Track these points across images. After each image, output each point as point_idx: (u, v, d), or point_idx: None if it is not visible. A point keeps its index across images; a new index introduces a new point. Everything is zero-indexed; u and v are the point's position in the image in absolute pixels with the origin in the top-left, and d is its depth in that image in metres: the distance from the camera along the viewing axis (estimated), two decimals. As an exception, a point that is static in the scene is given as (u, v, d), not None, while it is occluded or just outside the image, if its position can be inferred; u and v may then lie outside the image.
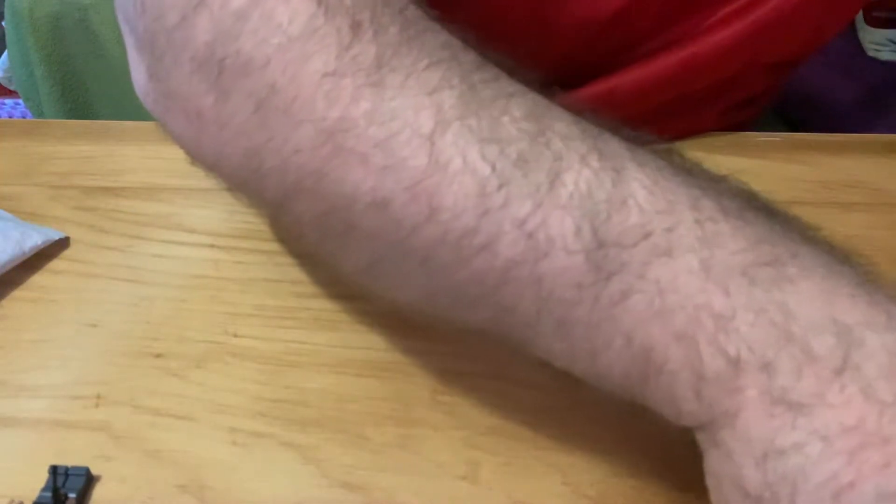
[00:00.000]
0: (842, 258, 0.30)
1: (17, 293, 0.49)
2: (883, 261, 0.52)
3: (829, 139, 0.62)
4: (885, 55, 0.86)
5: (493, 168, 0.28)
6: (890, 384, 0.24)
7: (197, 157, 0.33)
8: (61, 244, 0.51)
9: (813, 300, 0.26)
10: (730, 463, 0.27)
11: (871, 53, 0.86)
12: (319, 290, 0.49)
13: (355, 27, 0.29)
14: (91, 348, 0.46)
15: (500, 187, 0.27)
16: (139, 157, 0.58)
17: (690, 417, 0.28)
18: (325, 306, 0.48)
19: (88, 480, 0.39)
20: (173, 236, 0.52)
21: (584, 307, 0.28)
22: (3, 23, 1.08)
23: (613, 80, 0.54)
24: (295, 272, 0.50)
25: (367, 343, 0.46)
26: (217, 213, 0.54)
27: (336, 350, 0.46)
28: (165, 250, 0.51)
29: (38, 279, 0.49)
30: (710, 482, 0.29)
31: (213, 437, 0.42)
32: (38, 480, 0.39)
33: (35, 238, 0.49)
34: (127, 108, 0.99)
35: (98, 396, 0.43)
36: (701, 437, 0.29)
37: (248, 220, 0.53)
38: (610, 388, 0.30)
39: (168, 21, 0.30)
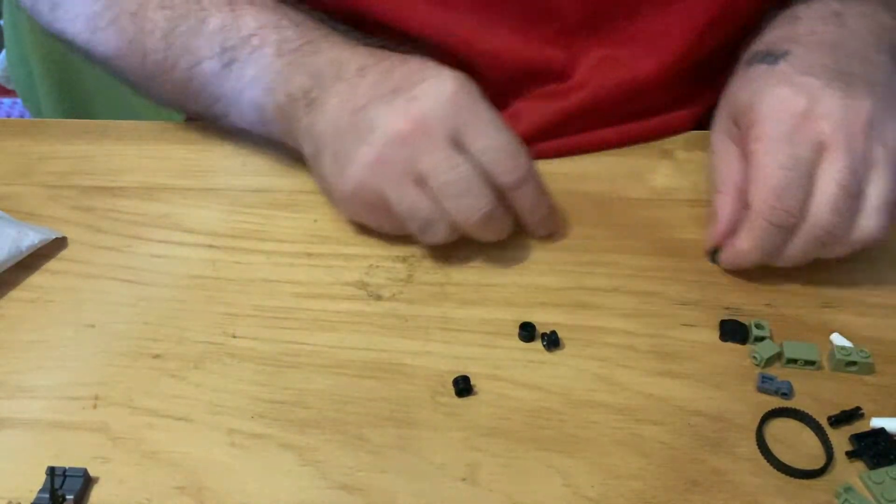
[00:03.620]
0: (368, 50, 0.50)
1: (15, 293, 0.48)
2: (884, 261, 0.52)
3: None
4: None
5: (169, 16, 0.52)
6: (356, 78, 0.47)
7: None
8: (59, 244, 0.51)
9: (326, 55, 0.49)
10: (307, 136, 0.49)
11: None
12: (318, 290, 0.49)
13: None
14: (89, 349, 0.45)
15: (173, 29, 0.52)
16: (137, 157, 0.58)
17: (284, 127, 0.51)
18: (324, 307, 0.48)
19: (86, 482, 0.39)
20: (171, 236, 0.52)
21: (222, 78, 0.52)
22: (1, 22, 1.08)
23: None
24: (294, 272, 0.50)
25: (367, 344, 0.46)
26: (215, 213, 0.54)
27: (335, 351, 0.46)
28: (164, 250, 0.51)
29: (35, 279, 0.49)
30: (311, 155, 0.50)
31: (212, 439, 0.42)
32: (36, 482, 0.39)
33: (32, 237, 0.49)
34: (125, 107, 0.99)
35: (96, 397, 0.43)
36: (298, 138, 0.50)
37: (246, 220, 0.53)
38: (248, 124, 0.53)
39: None
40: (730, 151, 0.50)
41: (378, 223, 0.50)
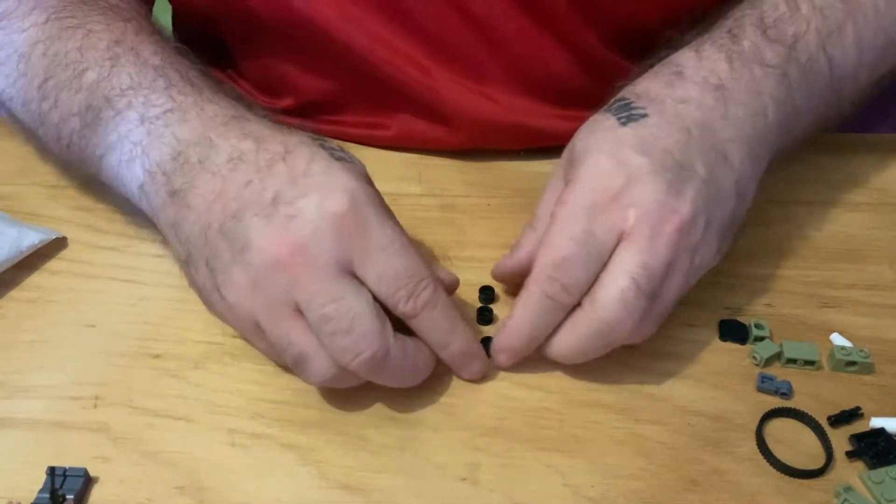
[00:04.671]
0: (244, 107, 0.45)
1: (15, 293, 0.48)
2: (884, 261, 0.52)
3: (830, 139, 0.62)
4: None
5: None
6: (226, 171, 0.41)
7: None
8: (59, 244, 0.51)
9: (193, 128, 0.43)
10: (174, 235, 0.43)
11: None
12: (318, 290, 0.49)
13: None
14: (89, 349, 0.45)
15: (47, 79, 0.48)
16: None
17: (148, 208, 0.45)
18: (324, 306, 0.48)
19: (87, 481, 0.39)
20: (172, 236, 0.52)
21: (84, 139, 0.47)
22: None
23: None
24: (294, 272, 0.50)
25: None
26: (216, 212, 0.54)
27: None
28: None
29: (35, 279, 0.49)
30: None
31: (212, 438, 0.42)
32: (36, 482, 0.39)
33: (32, 237, 0.49)
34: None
35: (96, 397, 0.43)
36: (163, 230, 0.44)
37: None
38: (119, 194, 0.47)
39: None
40: (556, 191, 0.45)
41: (262, 348, 0.43)
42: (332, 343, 0.39)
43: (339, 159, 0.41)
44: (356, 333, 0.39)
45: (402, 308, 0.40)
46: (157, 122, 0.44)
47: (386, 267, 0.40)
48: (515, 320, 0.43)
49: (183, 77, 0.46)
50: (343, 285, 0.39)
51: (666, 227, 0.41)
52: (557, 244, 0.41)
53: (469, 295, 0.49)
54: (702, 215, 0.42)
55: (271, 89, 0.62)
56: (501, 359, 0.44)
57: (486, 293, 0.49)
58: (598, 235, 0.41)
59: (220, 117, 0.43)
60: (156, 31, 0.50)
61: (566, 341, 0.42)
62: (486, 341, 0.45)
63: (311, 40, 0.55)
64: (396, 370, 0.41)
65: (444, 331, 0.42)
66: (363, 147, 0.60)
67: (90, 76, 0.46)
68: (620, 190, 0.41)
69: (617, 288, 0.40)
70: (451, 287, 0.46)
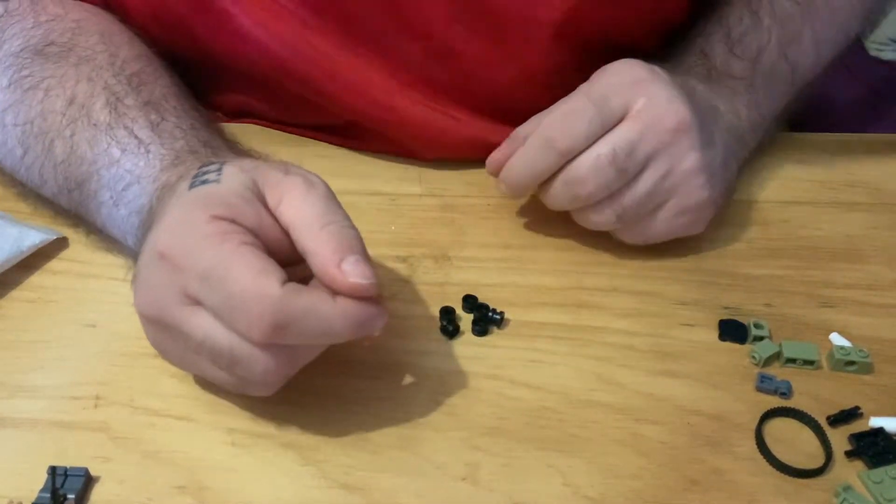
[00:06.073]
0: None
1: (16, 293, 0.48)
2: (883, 260, 0.52)
3: (829, 139, 0.62)
4: (888, 55, 0.86)
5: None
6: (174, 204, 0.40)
7: None
8: (60, 244, 0.51)
9: (149, 194, 0.44)
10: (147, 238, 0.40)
11: (872, 53, 0.86)
12: (319, 290, 0.49)
13: None
14: (90, 348, 0.46)
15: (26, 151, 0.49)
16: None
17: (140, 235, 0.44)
18: (324, 306, 0.48)
19: (87, 481, 0.39)
20: (172, 236, 0.52)
21: (82, 213, 0.49)
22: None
23: None
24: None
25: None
26: (216, 212, 0.54)
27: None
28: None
29: (36, 279, 0.49)
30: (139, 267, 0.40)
31: (212, 438, 0.42)
32: (37, 481, 0.39)
33: (33, 237, 0.49)
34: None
35: (97, 397, 0.43)
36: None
37: (247, 219, 0.53)
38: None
39: None
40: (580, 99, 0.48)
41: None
42: (232, 374, 0.38)
43: (198, 185, 0.39)
44: (239, 366, 0.37)
45: (251, 337, 0.36)
46: (127, 197, 0.45)
47: (214, 301, 0.36)
48: (515, 159, 0.48)
49: (130, 133, 0.46)
50: (194, 322, 0.37)
51: (665, 122, 0.46)
52: (573, 100, 0.47)
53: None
54: (696, 131, 0.47)
55: (235, 115, 0.61)
56: (502, 188, 0.50)
57: (469, 301, 0.48)
58: (611, 103, 0.46)
59: (167, 167, 0.44)
60: (110, 59, 0.49)
61: (551, 192, 0.48)
62: (468, 299, 0.48)
63: (265, 73, 0.54)
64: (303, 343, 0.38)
65: (317, 334, 0.38)
66: (355, 152, 0.59)
67: (58, 151, 0.48)
68: (640, 80, 0.47)
69: (595, 151, 0.46)
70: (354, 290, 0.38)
